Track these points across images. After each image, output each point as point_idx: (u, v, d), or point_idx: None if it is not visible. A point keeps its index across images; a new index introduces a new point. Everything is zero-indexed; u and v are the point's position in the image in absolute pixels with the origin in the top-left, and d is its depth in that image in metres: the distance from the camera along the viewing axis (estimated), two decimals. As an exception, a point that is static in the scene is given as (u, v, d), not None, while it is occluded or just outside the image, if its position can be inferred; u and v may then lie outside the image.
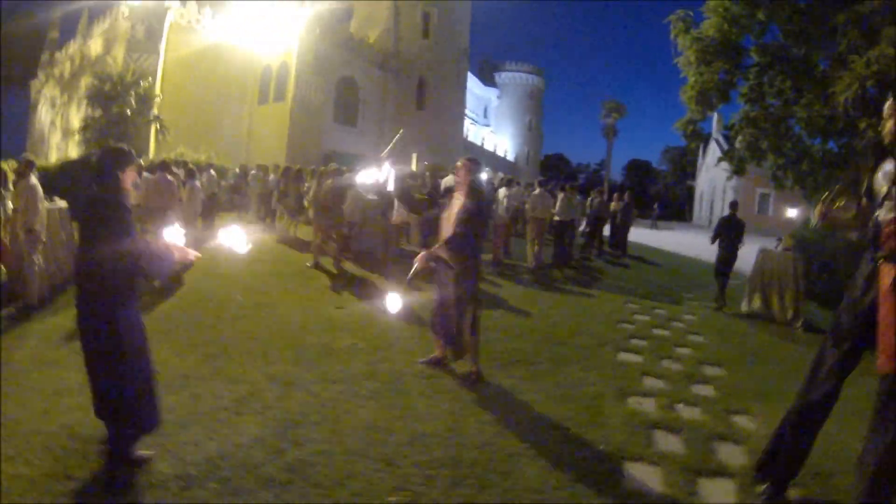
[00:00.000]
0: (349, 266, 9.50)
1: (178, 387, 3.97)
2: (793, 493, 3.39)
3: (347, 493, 2.93)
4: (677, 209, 61.46)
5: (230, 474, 2.97)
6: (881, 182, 3.05)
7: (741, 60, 10.64)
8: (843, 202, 3.35)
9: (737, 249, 9.88)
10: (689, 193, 59.39)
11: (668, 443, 3.98)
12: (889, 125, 3.02)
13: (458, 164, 4.83)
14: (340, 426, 3.67)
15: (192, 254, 3.23)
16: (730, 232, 9.90)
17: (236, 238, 3.38)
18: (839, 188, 3.43)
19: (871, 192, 3.15)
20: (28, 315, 5.98)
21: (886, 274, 2.91)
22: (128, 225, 2.91)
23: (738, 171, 11.12)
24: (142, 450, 3.03)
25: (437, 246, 4.56)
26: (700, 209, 55.97)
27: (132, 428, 2.95)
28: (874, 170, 3.18)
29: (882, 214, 3.01)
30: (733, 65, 10.43)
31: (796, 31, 9.78)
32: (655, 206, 41.37)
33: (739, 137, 10.75)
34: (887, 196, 2.99)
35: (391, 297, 4.96)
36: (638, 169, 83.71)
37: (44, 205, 6.62)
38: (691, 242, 15.95)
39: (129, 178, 3.06)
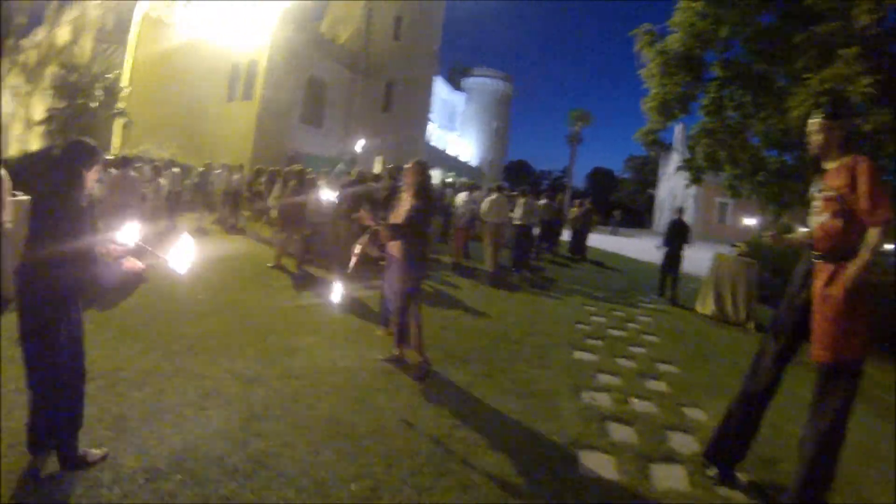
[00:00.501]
0: (311, 267, 9.52)
1: (141, 383, 3.98)
2: (741, 476, 3.64)
3: (310, 481, 3.02)
4: (638, 216, 62.68)
5: (195, 466, 3.02)
6: (813, 193, 3.37)
7: (703, 74, 10.98)
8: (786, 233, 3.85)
9: (682, 249, 11.23)
10: (650, 201, 60.60)
11: (622, 433, 4.18)
12: (818, 140, 3.30)
13: (407, 166, 5.03)
14: (302, 419, 3.75)
15: (139, 266, 3.19)
16: (676, 234, 11.34)
17: (180, 255, 3.15)
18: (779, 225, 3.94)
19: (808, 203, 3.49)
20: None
21: (820, 272, 3.21)
22: (82, 225, 2.80)
23: (696, 180, 11.49)
24: (92, 448, 3.01)
25: (379, 228, 4.71)
26: (660, 217, 57.15)
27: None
28: (809, 182, 3.53)
29: (813, 219, 3.32)
30: (694, 78, 10.76)
31: (758, 49, 10.18)
32: (616, 213, 42.14)
33: (698, 148, 11.09)
34: (814, 204, 3.35)
35: (335, 287, 5.07)
36: (601, 177, 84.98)
37: (9, 197, 6.53)
38: (650, 248, 16.41)
39: (92, 176, 2.95)
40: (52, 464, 2.89)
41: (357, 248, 4.85)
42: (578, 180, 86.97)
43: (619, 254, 20.17)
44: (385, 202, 8.28)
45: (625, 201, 68.25)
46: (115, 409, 3.56)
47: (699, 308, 9.80)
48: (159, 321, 5.63)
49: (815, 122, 3.33)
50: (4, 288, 5.94)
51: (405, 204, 4.91)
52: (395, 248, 4.92)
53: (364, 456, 3.36)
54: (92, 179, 2.96)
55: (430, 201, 5.06)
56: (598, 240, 23.73)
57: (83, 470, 2.88)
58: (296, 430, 3.59)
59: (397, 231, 4.73)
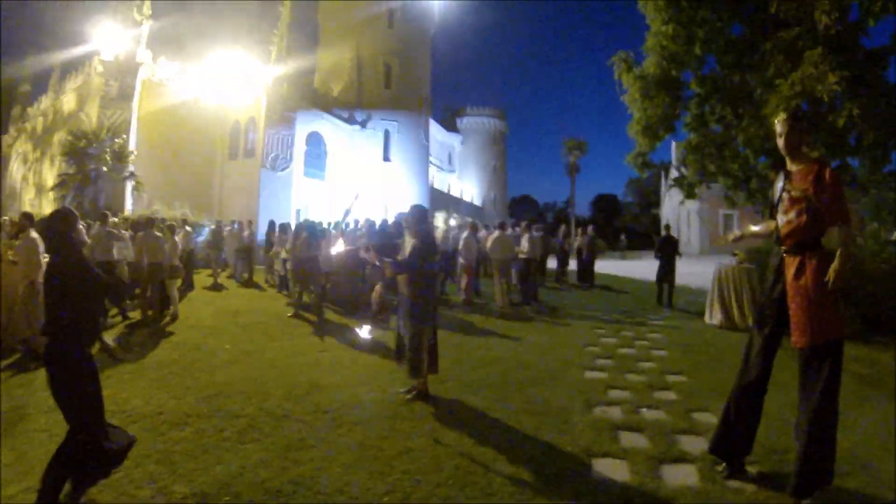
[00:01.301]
0: (328, 313, 9.86)
1: (181, 424, 4.33)
2: (751, 469, 3.82)
3: (346, 497, 3.32)
4: (645, 238, 62.86)
5: (240, 489, 3.35)
6: (777, 191, 3.71)
7: (682, 93, 11.26)
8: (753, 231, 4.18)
9: (674, 261, 12.87)
10: (655, 221, 60.83)
11: (633, 440, 4.40)
12: (790, 139, 3.62)
13: (408, 211, 5.57)
14: (334, 447, 4.06)
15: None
16: (666, 248, 13.12)
17: None
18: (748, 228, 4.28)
19: (772, 202, 3.79)
20: (37, 362, 6.31)
21: (790, 265, 3.56)
22: (87, 281, 3.24)
23: (689, 195, 11.73)
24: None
25: (385, 266, 5.21)
26: (666, 236, 57.26)
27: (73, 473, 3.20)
28: (773, 181, 3.86)
29: (780, 217, 3.65)
30: (674, 97, 11.04)
31: (731, 61, 10.52)
32: (622, 237, 42.40)
33: (687, 164, 11.38)
34: (780, 201, 3.65)
35: (355, 329, 5.42)
36: (604, 203, 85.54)
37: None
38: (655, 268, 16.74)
39: (79, 233, 3.37)
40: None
41: (375, 296, 5.27)
42: (583, 208, 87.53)
43: (626, 276, 20.39)
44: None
45: (630, 224, 68.50)
46: (161, 446, 3.93)
47: (707, 319, 10.04)
48: (191, 370, 6.00)
49: (780, 122, 3.67)
50: (39, 342, 6.43)
51: (408, 245, 5.37)
52: (404, 286, 5.33)
53: (393, 474, 3.65)
54: (81, 236, 3.41)
55: (430, 241, 5.48)
56: (607, 265, 24.00)
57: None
58: (329, 456, 3.89)
59: (398, 267, 5.19)
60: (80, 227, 3.43)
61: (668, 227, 14.10)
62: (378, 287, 5.36)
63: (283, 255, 12.54)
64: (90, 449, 3.18)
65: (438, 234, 14.51)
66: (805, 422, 3.41)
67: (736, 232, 4.27)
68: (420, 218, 5.46)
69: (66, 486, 3.19)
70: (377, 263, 5.32)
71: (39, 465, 3.56)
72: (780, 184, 3.72)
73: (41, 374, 5.65)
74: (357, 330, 5.62)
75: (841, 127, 8.41)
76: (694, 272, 11.59)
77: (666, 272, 12.72)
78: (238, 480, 3.47)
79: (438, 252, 6.13)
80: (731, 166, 10.69)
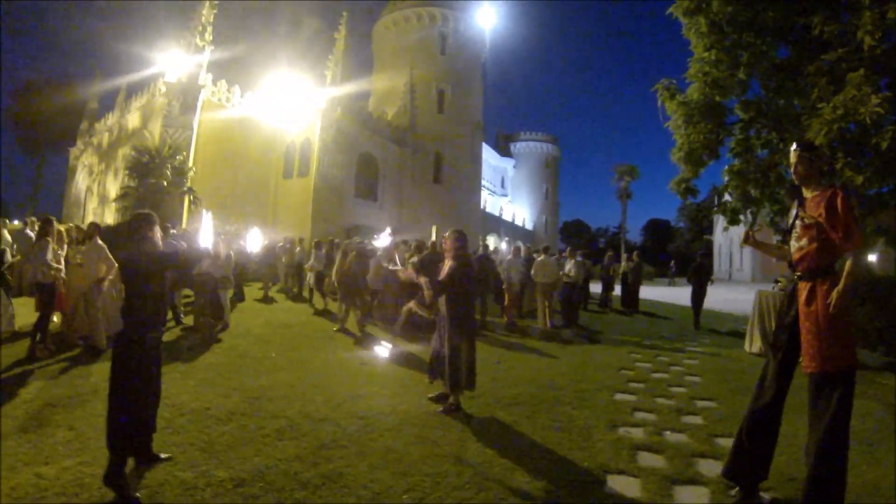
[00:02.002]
0: (372, 329, 10.25)
1: (226, 420, 4.78)
2: (765, 495, 3.85)
3: (369, 493, 3.62)
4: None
5: (274, 478, 3.73)
6: (791, 217, 3.83)
7: (726, 118, 11.17)
8: (761, 230, 4.23)
9: (706, 285, 14.17)
10: (708, 248, 59.54)
11: (651, 460, 4.50)
12: (799, 169, 3.73)
13: (446, 235, 5.94)
14: (364, 449, 4.37)
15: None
16: (700, 273, 14.25)
17: None
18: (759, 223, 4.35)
19: (786, 229, 3.91)
20: (96, 357, 7.13)
21: (802, 290, 3.66)
22: (159, 260, 3.87)
23: (733, 221, 11.55)
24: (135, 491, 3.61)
25: (422, 284, 5.62)
26: (719, 263, 56.01)
27: (120, 451, 3.56)
28: (788, 210, 3.97)
29: (793, 243, 3.76)
30: (718, 123, 10.95)
31: (776, 85, 10.42)
32: (672, 263, 41.74)
33: (730, 189, 11.26)
34: (793, 228, 3.77)
35: (393, 345, 5.71)
36: (656, 228, 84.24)
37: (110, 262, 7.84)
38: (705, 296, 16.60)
39: (156, 234, 3.94)
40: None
41: (406, 309, 5.62)
42: (635, 233, 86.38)
43: (671, 303, 20.17)
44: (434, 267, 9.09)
45: (682, 250, 67.19)
46: (205, 437, 4.39)
47: (747, 347, 9.95)
48: (238, 374, 6.48)
49: (794, 153, 3.78)
50: (100, 337, 7.08)
51: (446, 267, 5.74)
52: (443, 305, 5.67)
53: (415, 476, 3.92)
54: (157, 236, 3.96)
55: (466, 263, 5.81)
56: (654, 291, 23.75)
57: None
58: (358, 456, 4.20)
59: (437, 287, 5.52)
60: (157, 229, 3.96)
61: (703, 255, 15.69)
62: (412, 304, 5.69)
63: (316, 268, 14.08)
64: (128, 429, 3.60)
65: (496, 257, 14.97)
66: (813, 449, 3.44)
67: (753, 232, 4.20)
68: (459, 242, 5.79)
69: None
70: (416, 281, 5.67)
71: (94, 443, 4.15)
72: (794, 210, 3.81)
73: (99, 368, 6.45)
74: (392, 345, 5.99)
75: (886, 149, 8.26)
76: (741, 299, 11.46)
77: (700, 296, 13.94)
78: (272, 471, 3.83)
79: (475, 274, 6.42)
80: (778, 192, 10.53)
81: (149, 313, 3.73)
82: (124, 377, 3.60)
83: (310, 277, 14.97)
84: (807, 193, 3.74)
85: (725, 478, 3.95)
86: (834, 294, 3.40)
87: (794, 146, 3.84)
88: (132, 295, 3.72)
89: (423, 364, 7.42)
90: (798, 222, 3.71)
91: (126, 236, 3.91)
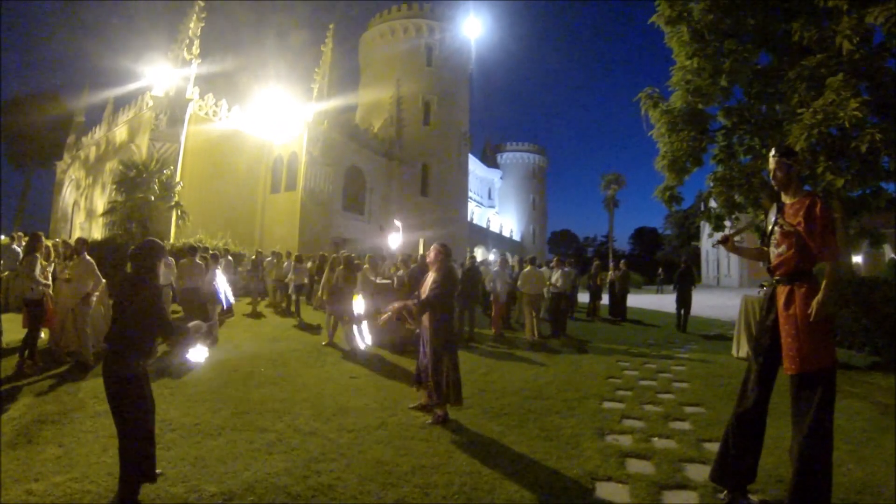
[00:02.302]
0: (362, 343, 10.23)
1: (215, 435, 4.78)
2: (754, 497, 3.87)
3: (359, 504, 3.63)
4: (686, 271, 61.71)
5: (264, 491, 3.73)
6: (770, 223, 3.89)
7: (709, 125, 11.29)
8: (742, 240, 4.27)
9: (690, 291, 15.17)
10: (696, 254, 59.98)
11: (639, 467, 4.53)
12: (778, 175, 3.80)
13: (431, 248, 6.06)
14: (353, 462, 4.38)
15: (204, 356, 4.04)
16: (683, 280, 15.20)
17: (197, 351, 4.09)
18: (741, 227, 4.37)
19: (765, 231, 3.98)
20: (84, 373, 7.16)
21: (780, 294, 3.73)
22: (160, 301, 3.71)
23: (717, 227, 11.66)
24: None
25: (410, 303, 5.69)
26: (707, 269, 56.45)
27: (136, 474, 3.54)
28: (768, 213, 4.04)
29: (772, 249, 3.84)
30: (701, 131, 11.06)
31: (757, 91, 10.56)
32: (660, 270, 41.97)
33: (714, 196, 11.38)
34: (772, 234, 3.84)
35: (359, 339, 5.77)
36: (644, 236, 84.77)
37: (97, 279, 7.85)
38: (693, 302, 16.79)
39: (162, 266, 3.89)
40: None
41: (391, 308, 5.71)
42: (623, 242, 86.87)
43: (659, 310, 20.33)
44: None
45: (670, 257, 67.66)
46: (195, 452, 4.40)
47: (734, 353, 10.04)
48: (227, 388, 6.47)
49: (772, 159, 3.83)
50: (87, 353, 7.10)
51: (429, 279, 5.85)
52: (424, 317, 5.75)
53: (405, 487, 3.93)
54: (161, 268, 3.90)
55: (449, 276, 5.91)
56: (642, 299, 23.88)
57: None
58: (348, 469, 4.21)
59: (423, 306, 5.65)
60: (165, 261, 3.91)
61: (686, 261, 16.24)
62: (398, 304, 5.82)
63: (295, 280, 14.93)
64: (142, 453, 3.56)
65: (484, 269, 15.10)
66: (797, 449, 3.47)
67: (732, 237, 4.15)
68: (443, 256, 5.91)
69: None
70: (408, 311, 5.75)
71: (83, 460, 4.20)
72: (772, 216, 3.87)
73: (88, 384, 6.51)
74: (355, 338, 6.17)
75: (865, 152, 8.38)
76: (728, 304, 11.55)
77: (685, 301, 14.89)
78: (263, 484, 3.83)
79: (458, 287, 6.51)
80: (761, 196, 10.61)
81: (146, 343, 3.70)
82: (138, 410, 3.54)
83: (290, 290, 15.35)
84: (786, 199, 3.80)
85: (713, 481, 3.98)
86: (814, 304, 3.47)
87: (773, 152, 3.88)
88: (122, 320, 3.62)
89: (411, 377, 7.47)
90: (777, 229, 3.78)
91: (134, 262, 3.78)
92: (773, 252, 3.82)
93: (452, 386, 5.61)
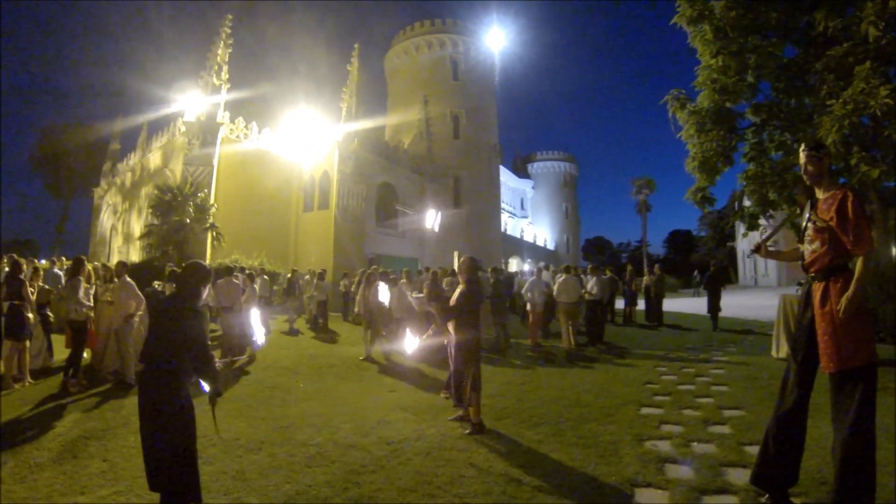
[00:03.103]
0: (398, 357, 10.37)
1: (256, 450, 4.92)
2: (796, 500, 3.80)
3: (399, 515, 3.70)
4: (721, 272, 60.62)
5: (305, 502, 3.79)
6: (805, 220, 3.85)
7: (737, 124, 11.12)
8: (773, 238, 4.23)
9: (720, 292, 15.73)
10: (732, 255, 58.74)
11: (679, 472, 4.49)
12: (810, 169, 3.76)
13: (460, 260, 6.29)
14: (393, 473, 4.45)
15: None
16: (715, 282, 15.93)
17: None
18: (771, 232, 4.31)
19: (801, 228, 3.94)
20: (127, 391, 7.46)
21: (816, 291, 3.67)
22: (203, 331, 3.74)
23: (751, 226, 11.44)
24: None
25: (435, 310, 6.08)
26: (744, 269, 55.28)
27: (181, 498, 3.45)
28: (802, 209, 3.98)
29: (805, 246, 3.80)
30: (730, 129, 10.90)
31: (785, 85, 10.37)
32: (696, 273, 41.25)
33: (747, 195, 11.18)
34: (805, 230, 3.80)
35: (409, 340, 5.91)
36: (678, 239, 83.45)
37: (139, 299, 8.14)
38: (730, 303, 16.46)
39: (205, 291, 3.80)
40: None
41: (423, 337, 5.93)
42: (657, 246, 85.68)
43: (696, 314, 19.97)
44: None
45: (705, 259, 66.52)
46: (236, 466, 4.53)
47: (774, 353, 9.82)
48: (266, 404, 6.62)
49: (803, 154, 3.80)
50: (129, 372, 7.65)
51: (457, 291, 6.07)
52: (451, 326, 5.97)
53: (444, 497, 3.98)
54: (204, 293, 3.85)
55: (476, 288, 6.11)
56: (678, 303, 23.50)
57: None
58: (387, 481, 4.28)
59: (449, 312, 5.92)
60: (209, 287, 3.97)
61: (717, 264, 18.08)
62: (430, 331, 6.09)
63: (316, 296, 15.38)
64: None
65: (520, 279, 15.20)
66: (839, 449, 3.40)
67: (766, 244, 4.17)
68: (471, 268, 6.09)
69: None
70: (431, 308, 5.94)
71: (127, 474, 4.39)
72: (807, 213, 3.82)
73: (130, 401, 6.77)
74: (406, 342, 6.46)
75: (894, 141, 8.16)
76: (766, 304, 11.33)
77: (716, 303, 15.48)
78: (303, 497, 3.93)
79: (482, 298, 6.69)
80: (795, 193, 10.38)
81: (184, 365, 3.57)
82: (173, 430, 3.45)
83: (311, 306, 15.83)
84: (819, 194, 3.76)
85: (754, 485, 3.91)
86: (843, 300, 3.42)
87: (802, 146, 3.85)
88: (170, 353, 3.51)
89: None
90: (810, 225, 3.74)
91: (177, 284, 3.78)
92: (808, 249, 3.77)
93: (474, 390, 5.75)
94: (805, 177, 3.82)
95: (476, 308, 6.06)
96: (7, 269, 8.11)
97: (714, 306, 15.38)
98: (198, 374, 3.53)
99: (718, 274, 16.49)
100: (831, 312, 3.51)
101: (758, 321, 16.60)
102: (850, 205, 3.50)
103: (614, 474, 4.43)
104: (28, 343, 7.90)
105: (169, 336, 3.51)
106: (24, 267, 8.31)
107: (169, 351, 3.46)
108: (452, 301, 6.00)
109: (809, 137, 7.99)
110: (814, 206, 3.76)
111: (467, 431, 5.60)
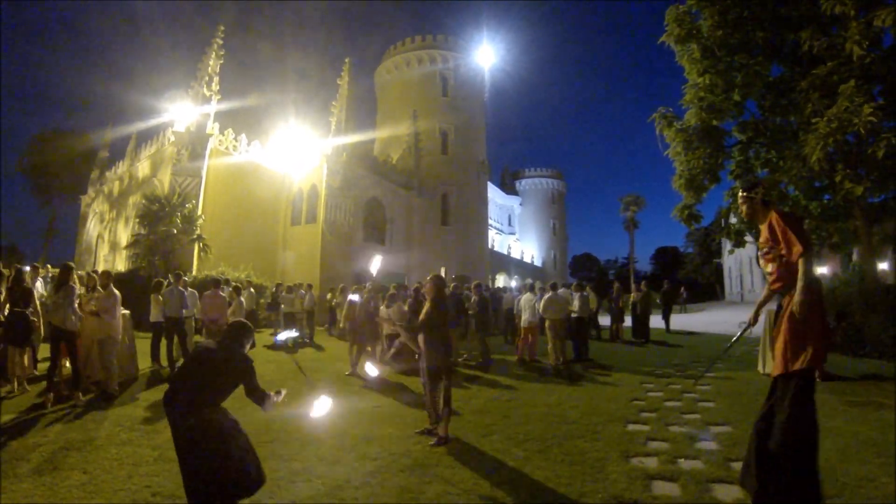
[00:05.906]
0: (385, 373, 10.25)
1: (241, 466, 4.78)
2: None
3: (383, 531, 3.65)
4: (708, 289, 61.25)
5: (289, 519, 3.71)
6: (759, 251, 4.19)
7: (724, 141, 11.28)
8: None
9: (671, 306, 18.73)
10: (718, 271, 59.23)
11: (666, 489, 4.48)
12: (743, 209, 4.06)
13: (427, 279, 6.48)
14: (378, 489, 4.41)
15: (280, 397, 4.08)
16: (668, 297, 18.34)
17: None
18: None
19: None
20: (109, 402, 7.45)
21: (784, 305, 3.85)
22: (254, 375, 3.90)
23: (738, 243, 11.61)
24: None
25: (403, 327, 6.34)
26: (730, 285, 55.73)
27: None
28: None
29: (765, 271, 4.07)
30: (716, 147, 11.06)
31: (770, 103, 10.55)
32: (682, 290, 41.43)
33: (732, 212, 11.33)
34: (759, 258, 4.13)
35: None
36: (665, 256, 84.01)
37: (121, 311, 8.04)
38: (716, 320, 16.54)
39: (246, 347, 4.01)
40: None
41: (396, 343, 6.03)
42: (644, 263, 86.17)
43: (683, 330, 20.08)
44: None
45: (692, 276, 66.93)
46: None
47: (760, 369, 9.86)
48: (250, 419, 6.42)
49: (739, 197, 4.12)
50: (113, 384, 7.73)
51: (426, 307, 6.26)
52: (421, 341, 6.08)
53: (430, 513, 3.94)
54: (246, 348, 4.04)
55: (441, 306, 6.25)
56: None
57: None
58: (373, 496, 4.25)
59: (415, 329, 6.19)
60: (252, 339, 4.08)
61: (669, 283, 21.91)
62: (403, 337, 6.23)
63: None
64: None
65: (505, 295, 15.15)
66: (773, 438, 3.61)
67: (751, 317, 4.43)
68: (436, 287, 6.29)
69: None
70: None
71: (108, 486, 4.38)
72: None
73: (113, 412, 6.86)
74: (366, 366, 6.59)
75: (883, 157, 8.30)
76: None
77: (667, 313, 19.32)
78: (288, 513, 3.84)
79: (450, 315, 6.80)
80: (783, 208, 10.53)
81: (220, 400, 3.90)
82: (206, 459, 3.62)
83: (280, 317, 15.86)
84: (760, 226, 4.06)
85: (741, 486, 4.04)
86: (794, 304, 3.63)
87: (739, 191, 4.20)
88: (216, 391, 3.82)
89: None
90: (759, 254, 4.07)
91: (225, 337, 3.99)
92: (765, 272, 4.04)
93: (446, 404, 5.84)
94: (744, 216, 4.11)
95: (441, 324, 6.12)
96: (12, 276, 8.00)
97: (666, 315, 20.17)
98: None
99: (671, 290, 23.08)
100: (785, 321, 3.72)
101: (742, 337, 16.63)
102: (775, 221, 3.83)
103: (601, 491, 4.41)
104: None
105: (214, 377, 3.76)
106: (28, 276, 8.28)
107: (214, 390, 3.77)
108: (420, 318, 6.20)
109: (745, 179, 8.21)
110: (756, 239, 4.09)
111: (431, 443, 5.68)
